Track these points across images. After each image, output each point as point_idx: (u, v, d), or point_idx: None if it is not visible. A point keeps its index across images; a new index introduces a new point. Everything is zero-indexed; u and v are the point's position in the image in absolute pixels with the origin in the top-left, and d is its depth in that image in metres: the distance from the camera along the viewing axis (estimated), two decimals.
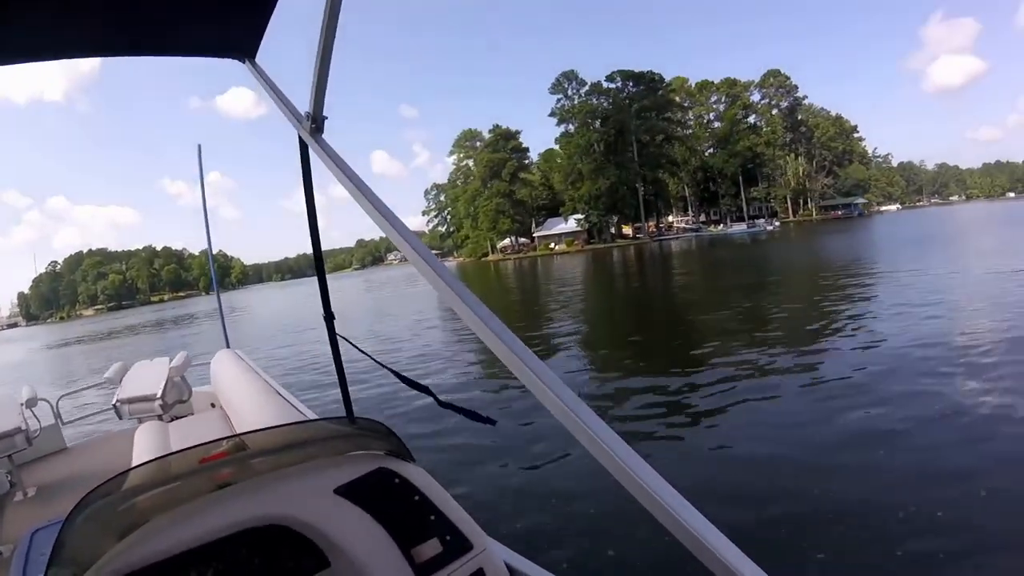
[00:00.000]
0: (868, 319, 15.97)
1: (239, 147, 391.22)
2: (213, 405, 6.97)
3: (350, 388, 3.21)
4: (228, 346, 8.09)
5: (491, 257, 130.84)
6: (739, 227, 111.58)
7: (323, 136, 2.23)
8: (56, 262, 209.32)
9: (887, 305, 17.58)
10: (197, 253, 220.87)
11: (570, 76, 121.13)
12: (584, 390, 11.42)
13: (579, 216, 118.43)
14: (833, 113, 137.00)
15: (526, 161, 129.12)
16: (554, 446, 8.22)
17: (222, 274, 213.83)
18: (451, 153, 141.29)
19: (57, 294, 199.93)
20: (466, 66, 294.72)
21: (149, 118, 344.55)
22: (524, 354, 1.42)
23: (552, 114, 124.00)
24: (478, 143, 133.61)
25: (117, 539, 1.69)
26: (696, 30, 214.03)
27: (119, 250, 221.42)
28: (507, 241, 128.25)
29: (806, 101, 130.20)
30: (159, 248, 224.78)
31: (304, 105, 2.25)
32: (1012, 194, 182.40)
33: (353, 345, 2.85)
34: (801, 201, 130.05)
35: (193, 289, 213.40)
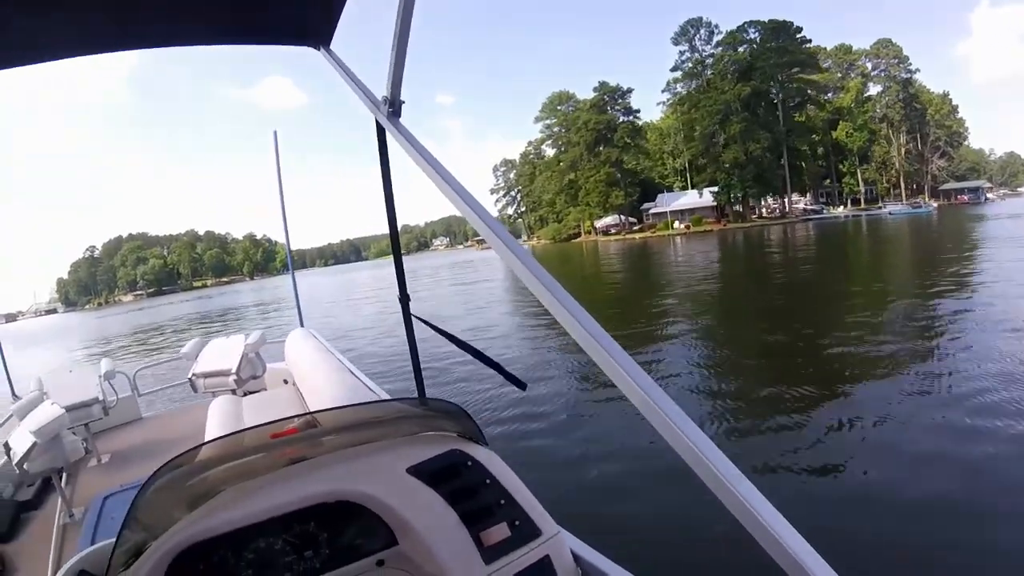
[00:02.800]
0: None
1: (282, 135, 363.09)
2: (286, 382, 6.92)
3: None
4: (302, 325, 8.23)
5: (586, 238, 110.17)
6: (895, 206, 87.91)
7: (400, 120, 2.22)
8: (94, 247, 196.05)
9: None
10: (240, 237, 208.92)
11: (697, 24, 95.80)
12: None
13: (714, 189, 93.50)
14: (939, 91, 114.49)
15: (639, 124, 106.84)
16: (631, 437, 7.76)
17: (266, 259, 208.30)
18: (537, 119, 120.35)
19: (95, 279, 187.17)
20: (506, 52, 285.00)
21: (187, 108, 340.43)
22: (603, 339, 1.42)
23: (675, 68, 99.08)
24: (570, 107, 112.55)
25: (188, 509, 1.73)
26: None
27: (160, 234, 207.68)
28: (610, 219, 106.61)
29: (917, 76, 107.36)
30: (201, 232, 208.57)
31: (378, 91, 2.28)
32: None
33: (428, 324, 2.78)
34: (913, 185, 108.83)
35: (237, 274, 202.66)
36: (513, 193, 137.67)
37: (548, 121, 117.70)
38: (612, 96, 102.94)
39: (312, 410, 2.64)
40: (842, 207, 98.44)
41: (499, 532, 1.96)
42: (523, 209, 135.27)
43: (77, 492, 5.23)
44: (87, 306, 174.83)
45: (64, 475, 5.13)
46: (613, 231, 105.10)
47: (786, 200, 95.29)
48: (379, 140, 2.63)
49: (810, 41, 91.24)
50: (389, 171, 2.77)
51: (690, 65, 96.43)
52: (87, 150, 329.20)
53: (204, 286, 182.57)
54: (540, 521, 2.04)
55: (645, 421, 1.22)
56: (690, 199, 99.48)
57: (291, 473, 1.86)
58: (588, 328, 1.42)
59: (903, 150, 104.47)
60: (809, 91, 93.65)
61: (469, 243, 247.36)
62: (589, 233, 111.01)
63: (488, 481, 2.07)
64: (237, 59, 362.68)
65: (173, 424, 7.10)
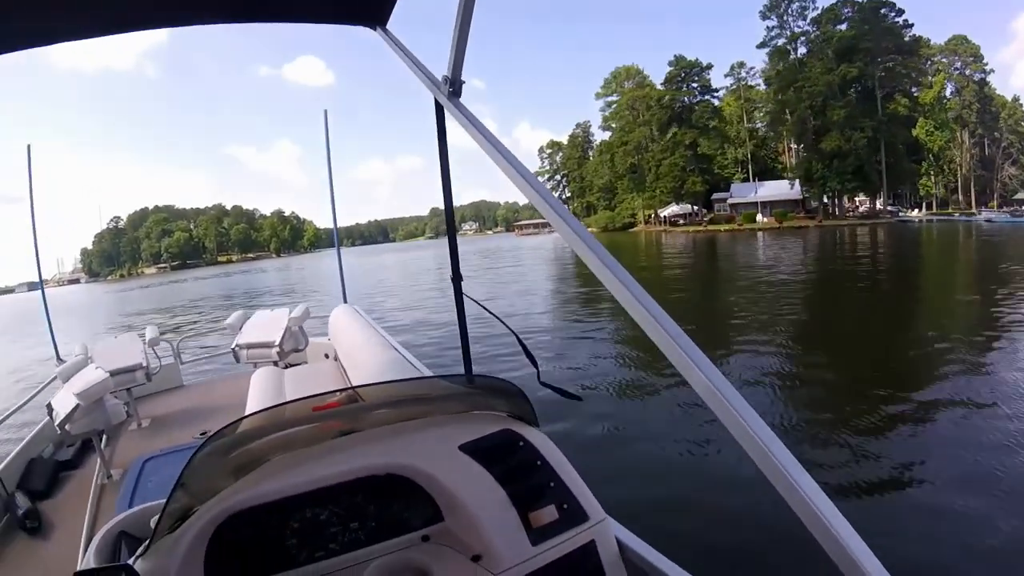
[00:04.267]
0: None
1: (307, 115, 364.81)
2: (328, 356, 6.98)
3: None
4: (346, 301, 8.12)
5: (647, 227, 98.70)
6: (991, 213, 75.32)
7: (460, 100, 2.22)
8: (119, 217, 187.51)
9: None
10: (268, 214, 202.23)
11: None
12: None
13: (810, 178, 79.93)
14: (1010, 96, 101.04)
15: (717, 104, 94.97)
16: (686, 428, 7.70)
17: (294, 236, 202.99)
18: (598, 96, 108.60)
19: (119, 251, 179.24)
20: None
21: (218, 86, 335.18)
22: (670, 327, 1.39)
23: (762, 44, 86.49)
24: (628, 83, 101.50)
25: (235, 477, 1.75)
26: None
27: (187, 208, 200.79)
28: (677, 208, 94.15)
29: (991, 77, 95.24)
30: (229, 207, 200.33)
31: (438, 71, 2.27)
32: None
33: (479, 304, 2.79)
34: (985, 192, 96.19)
35: (263, 250, 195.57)
36: (558, 177, 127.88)
37: (610, 98, 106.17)
38: (688, 71, 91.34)
39: (354, 385, 2.66)
40: (915, 211, 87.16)
41: (547, 514, 1.95)
42: (568, 195, 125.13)
43: (116, 454, 5.30)
44: (109, 277, 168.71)
45: (104, 437, 5.20)
46: (682, 221, 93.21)
47: (878, 199, 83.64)
48: (438, 120, 2.56)
49: (912, 25, 78.60)
50: (447, 151, 2.71)
51: (782, 41, 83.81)
52: (111, 124, 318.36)
53: (229, 261, 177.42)
54: (588, 506, 2.02)
55: (703, 414, 1.16)
56: (769, 191, 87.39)
57: (340, 445, 1.89)
58: (653, 313, 1.40)
59: (971, 155, 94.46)
60: (906, 81, 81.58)
61: (499, 228, 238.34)
62: (648, 222, 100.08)
63: (539, 463, 2.06)
64: (266, 38, 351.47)
65: (214, 393, 7.12)
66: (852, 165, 73.75)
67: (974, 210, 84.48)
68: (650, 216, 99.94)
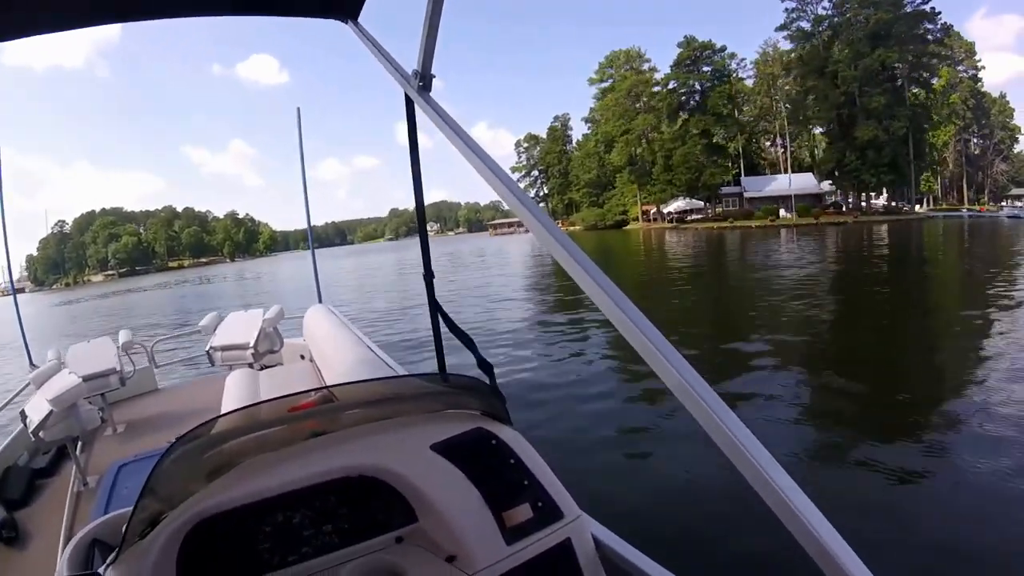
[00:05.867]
0: None
1: (261, 115, 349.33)
2: (303, 357, 6.87)
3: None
4: (320, 301, 8.03)
5: (646, 225, 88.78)
6: (1011, 208, 73.36)
7: (430, 94, 2.18)
8: (63, 221, 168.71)
9: None
10: (222, 216, 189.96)
11: None
12: None
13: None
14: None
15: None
16: (660, 423, 7.71)
17: (248, 239, 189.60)
18: (591, 82, 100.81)
19: (64, 257, 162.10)
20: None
21: (170, 84, 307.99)
22: (641, 322, 1.37)
23: (782, 27, 77.11)
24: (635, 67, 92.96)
25: (207, 481, 1.73)
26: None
27: (136, 210, 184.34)
28: (682, 203, 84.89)
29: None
30: (180, 209, 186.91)
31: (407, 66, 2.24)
32: None
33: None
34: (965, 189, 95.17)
35: (216, 255, 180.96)
36: (535, 173, 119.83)
37: (603, 84, 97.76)
38: (702, 52, 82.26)
39: (329, 385, 2.55)
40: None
41: (521, 513, 1.93)
42: (546, 191, 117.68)
43: (92, 461, 5.15)
44: (55, 286, 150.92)
45: (79, 444, 5.13)
46: (689, 217, 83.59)
47: (907, 193, 77.04)
48: (408, 115, 2.51)
49: (940, 13, 70.77)
50: (417, 147, 2.66)
51: (805, 25, 75.84)
52: (63, 121, 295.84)
53: (180, 266, 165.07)
54: (563, 504, 2.01)
55: (677, 408, 1.14)
56: (783, 185, 79.21)
57: (312, 447, 1.87)
58: (626, 311, 1.37)
59: (961, 151, 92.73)
60: (926, 71, 74.20)
61: (460, 229, 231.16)
62: (648, 219, 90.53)
63: (512, 461, 2.05)
64: (219, 35, 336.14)
65: (189, 396, 7.05)
66: (888, 156, 67.06)
67: (969, 206, 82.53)
68: (648, 213, 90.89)
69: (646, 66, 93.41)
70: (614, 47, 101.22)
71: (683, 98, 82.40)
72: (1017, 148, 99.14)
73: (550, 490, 2.01)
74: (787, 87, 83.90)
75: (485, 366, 2.36)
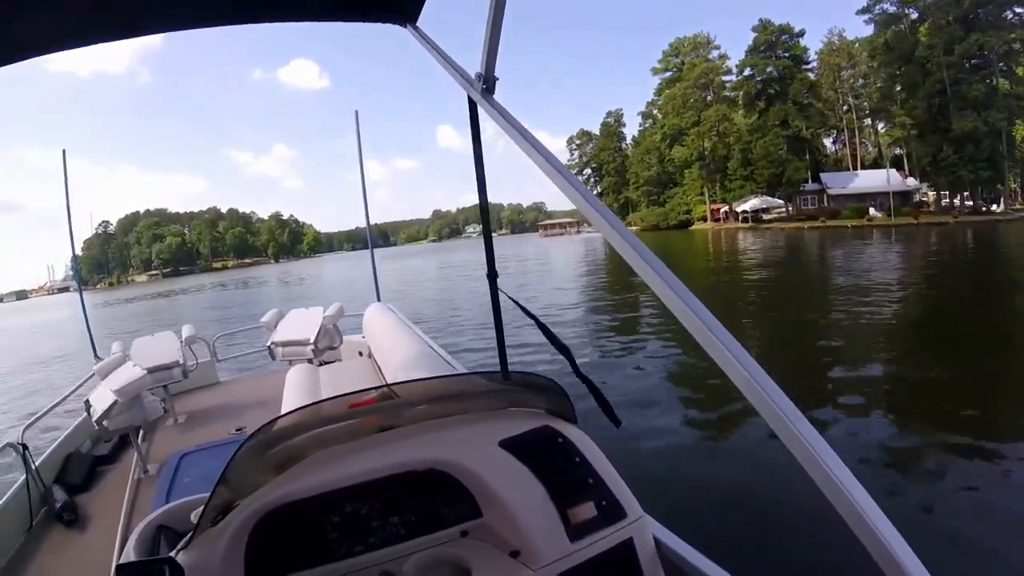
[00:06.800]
0: None
1: (303, 119, 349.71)
2: (361, 354, 7.04)
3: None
4: (379, 300, 8.27)
5: (715, 225, 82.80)
6: None
7: (494, 96, 2.15)
8: (108, 222, 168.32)
9: None
10: (266, 217, 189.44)
11: None
12: None
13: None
14: None
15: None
16: (729, 428, 7.68)
17: (293, 240, 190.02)
18: (655, 71, 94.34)
19: (108, 257, 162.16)
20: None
21: (211, 89, 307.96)
22: (714, 326, 1.33)
23: (865, 10, 69.77)
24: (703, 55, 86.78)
25: (276, 472, 1.78)
26: None
27: (180, 211, 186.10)
28: (755, 201, 77.82)
29: None
30: (224, 210, 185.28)
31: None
32: None
33: (510, 297, 2.64)
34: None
35: (260, 256, 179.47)
36: (588, 171, 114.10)
37: (666, 74, 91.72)
38: (780, 37, 76.22)
39: (389, 382, 2.63)
40: (993, 205, 71.23)
41: (586, 511, 1.94)
42: (599, 190, 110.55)
43: (153, 450, 5.31)
44: (99, 285, 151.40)
45: (141, 433, 5.28)
46: (766, 217, 77.18)
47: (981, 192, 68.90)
48: (471, 117, 2.44)
49: None
50: (481, 149, 2.59)
51: (891, 8, 68.79)
52: (107, 125, 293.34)
53: (224, 267, 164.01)
54: (626, 503, 2.02)
55: (745, 411, 1.17)
56: (865, 181, 72.52)
57: (380, 440, 1.90)
58: (699, 314, 1.33)
59: None
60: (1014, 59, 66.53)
61: (503, 231, 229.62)
62: (717, 219, 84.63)
63: (577, 459, 2.06)
64: (260, 41, 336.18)
65: (249, 389, 7.13)
66: (986, 151, 60.59)
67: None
68: (717, 212, 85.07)
69: (715, 53, 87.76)
70: (644, 50, 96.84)
71: (760, 86, 76.52)
72: None
73: (614, 489, 2.01)
74: (864, 76, 77.98)
75: (563, 350, 2.29)
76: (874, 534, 1.02)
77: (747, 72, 77.79)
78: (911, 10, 67.66)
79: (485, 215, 2.81)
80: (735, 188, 79.44)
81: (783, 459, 1.21)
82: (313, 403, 1.92)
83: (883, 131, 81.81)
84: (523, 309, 2.51)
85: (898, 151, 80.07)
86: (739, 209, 79.50)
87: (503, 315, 2.83)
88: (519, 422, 2.08)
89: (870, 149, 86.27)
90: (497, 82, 2.09)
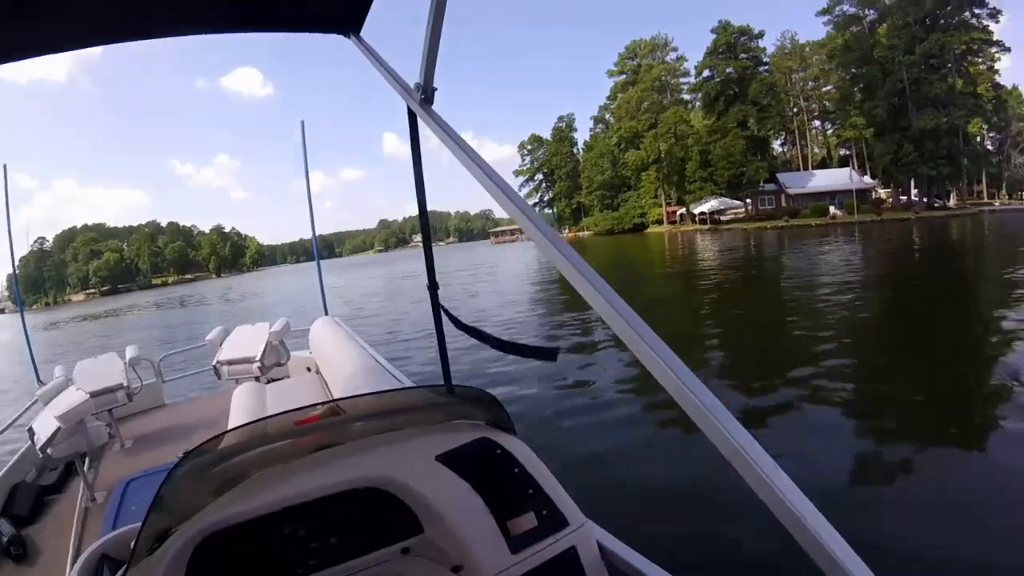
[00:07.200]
0: None
1: (246, 129, 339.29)
2: (309, 369, 6.91)
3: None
4: (326, 314, 8.13)
5: (671, 228, 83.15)
6: None
7: (433, 107, 2.21)
8: (44, 238, 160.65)
9: None
10: (208, 230, 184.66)
11: None
12: None
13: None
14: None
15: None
16: (663, 430, 7.71)
17: (235, 254, 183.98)
18: (611, 74, 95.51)
19: (43, 275, 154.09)
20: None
21: (154, 99, 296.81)
22: (643, 330, 1.36)
23: (825, 11, 72.09)
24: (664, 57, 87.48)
25: (215, 495, 1.74)
26: None
27: (118, 226, 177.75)
28: (713, 203, 78.33)
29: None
30: (164, 223, 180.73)
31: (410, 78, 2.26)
32: None
33: (446, 312, 2.74)
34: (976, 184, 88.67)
35: (202, 271, 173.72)
36: (539, 177, 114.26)
37: (621, 77, 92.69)
38: (738, 39, 76.47)
39: (336, 397, 2.62)
40: (944, 201, 74.88)
41: (527, 521, 1.95)
42: (550, 196, 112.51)
43: (100, 477, 5.20)
44: (35, 306, 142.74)
45: (87, 460, 5.20)
46: (724, 218, 77.62)
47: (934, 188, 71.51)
48: (411, 128, 2.51)
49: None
50: (420, 159, 2.69)
51: (851, 9, 71.15)
52: (46, 136, 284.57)
53: (165, 283, 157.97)
54: (567, 511, 2.03)
55: (681, 415, 1.20)
56: (822, 180, 74.38)
57: (318, 460, 1.87)
58: (627, 319, 1.36)
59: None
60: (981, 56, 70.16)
61: (451, 239, 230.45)
62: (673, 221, 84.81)
63: (517, 470, 2.05)
64: (202, 49, 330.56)
65: (197, 410, 6.97)
66: (945, 148, 63.18)
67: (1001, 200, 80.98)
68: (674, 214, 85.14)
69: (672, 55, 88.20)
70: (595, 51, 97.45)
71: (720, 87, 76.08)
72: None
73: (555, 498, 2.02)
74: (815, 79, 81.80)
75: (546, 352, 2.16)
76: (802, 524, 1.04)
77: (706, 73, 78.15)
78: (870, 12, 69.38)
79: (425, 226, 2.83)
80: (695, 190, 79.45)
81: (719, 458, 1.20)
82: (252, 422, 1.83)
83: (831, 133, 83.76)
84: (453, 320, 2.58)
85: (844, 152, 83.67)
86: (696, 211, 79.65)
87: (445, 326, 2.82)
88: (458, 435, 2.04)
89: (816, 151, 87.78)
90: (436, 92, 2.12)
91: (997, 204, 74.99)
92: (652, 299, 21.23)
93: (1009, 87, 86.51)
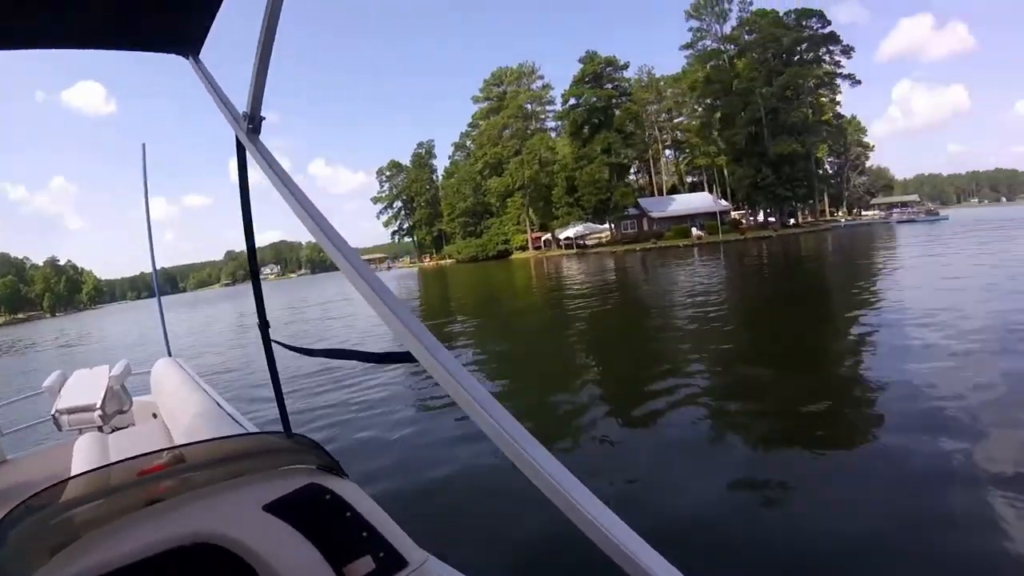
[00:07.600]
0: None
1: (85, 149, 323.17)
2: (155, 415, 5.97)
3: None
4: (169, 354, 7.10)
5: (535, 254, 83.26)
6: (900, 215, 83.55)
7: (259, 137, 2.11)
8: None
9: None
10: (41, 263, 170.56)
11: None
12: None
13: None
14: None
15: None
16: (484, 455, 7.23)
17: (71, 289, 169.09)
18: (476, 100, 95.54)
19: None
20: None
21: None
22: (434, 348, 1.37)
23: (688, 45, 78.76)
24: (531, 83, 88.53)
25: (49, 556, 1.60)
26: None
27: None
28: (579, 228, 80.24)
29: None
30: None
31: (242, 105, 2.13)
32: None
33: (288, 347, 2.54)
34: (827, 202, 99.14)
35: (35, 309, 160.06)
36: (398, 204, 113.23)
37: (483, 104, 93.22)
38: (605, 69, 78.00)
39: (175, 445, 2.59)
40: (792, 220, 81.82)
41: (363, 566, 1.91)
42: (408, 225, 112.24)
43: None
44: None
45: None
46: (590, 242, 79.17)
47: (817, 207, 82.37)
48: (239, 157, 2.37)
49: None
50: (248, 190, 2.55)
51: (711, 44, 77.26)
52: None
53: None
54: (405, 550, 2.00)
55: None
56: (682, 205, 77.93)
57: (152, 514, 1.74)
58: (422, 340, 1.36)
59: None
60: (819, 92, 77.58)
61: (303, 271, 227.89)
62: (539, 246, 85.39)
63: (348, 514, 1.99)
64: (45, 61, 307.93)
65: (38, 466, 5.81)
66: (801, 171, 69.08)
67: (845, 216, 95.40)
68: (539, 240, 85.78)
69: (538, 83, 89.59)
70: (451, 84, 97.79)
71: (586, 115, 76.81)
72: (869, 162, 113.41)
73: (391, 539, 1.98)
74: (669, 111, 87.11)
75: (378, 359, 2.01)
76: (612, 540, 1.03)
77: (572, 102, 78.80)
78: (731, 47, 74.41)
79: (253, 261, 2.76)
80: (561, 215, 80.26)
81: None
82: (76, 476, 1.81)
83: (682, 161, 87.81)
84: (297, 350, 2.44)
85: (692, 179, 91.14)
86: (562, 236, 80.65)
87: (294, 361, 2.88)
88: (287, 481, 1.95)
89: (665, 178, 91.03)
90: (264, 122, 2.06)
91: (843, 220, 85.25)
92: (531, 327, 21.00)
93: (848, 116, 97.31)
